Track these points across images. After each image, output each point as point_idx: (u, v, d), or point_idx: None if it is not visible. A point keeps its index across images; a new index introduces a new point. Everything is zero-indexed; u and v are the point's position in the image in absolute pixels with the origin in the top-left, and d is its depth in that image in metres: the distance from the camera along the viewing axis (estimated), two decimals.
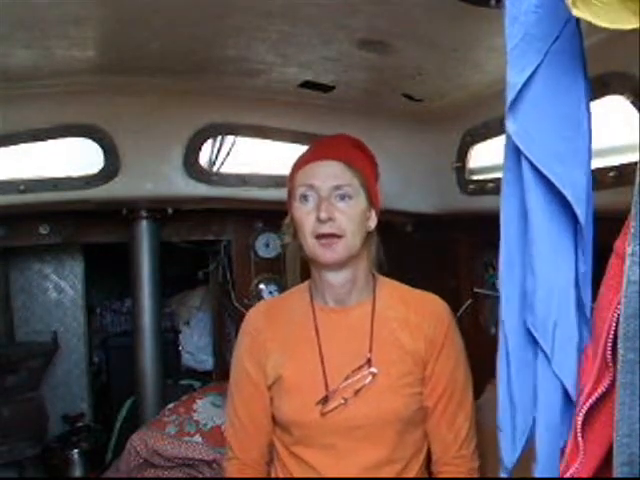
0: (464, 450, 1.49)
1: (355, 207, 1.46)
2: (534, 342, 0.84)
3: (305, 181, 1.47)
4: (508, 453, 0.90)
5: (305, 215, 1.45)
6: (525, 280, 0.85)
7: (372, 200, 1.50)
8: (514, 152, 0.83)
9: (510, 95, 0.79)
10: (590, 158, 0.82)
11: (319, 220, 1.42)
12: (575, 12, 0.67)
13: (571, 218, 0.81)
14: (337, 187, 1.45)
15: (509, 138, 0.83)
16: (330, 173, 1.46)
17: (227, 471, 1.59)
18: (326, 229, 1.42)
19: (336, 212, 1.43)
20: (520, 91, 0.79)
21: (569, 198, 0.79)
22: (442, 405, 1.49)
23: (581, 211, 0.79)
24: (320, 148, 1.56)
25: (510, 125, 0.81)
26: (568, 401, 0.83)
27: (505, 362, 0.88)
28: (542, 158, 0.79)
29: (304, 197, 1.47)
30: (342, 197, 1.45)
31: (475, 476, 1.51)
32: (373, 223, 1.52)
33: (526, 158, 0.81)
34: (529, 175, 0.81)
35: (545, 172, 0.79)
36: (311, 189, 1.46)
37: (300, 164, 1.52)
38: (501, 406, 0.90)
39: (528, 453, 0.87)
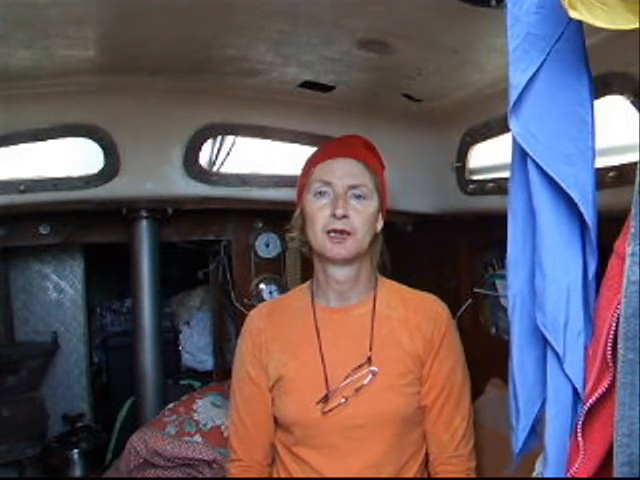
0: (461, 450, 1.50)
1: (368, 208, 1.48)
2: (543, 340, 0.84)
3: (322, 177, 1.48)
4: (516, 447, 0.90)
5: (318, 209, 1.47)
6: (533, 279, 0.84)
7: (382, 204, 1.52)
8: (520, 151, 0.83)
9: (513, 96, 0.79)
10: (594, 158, 0.81)
11: (334, 216, 1.43)
12: (573, 14, 0.66)
13: (578, 218, 0.81)
14: (353, 186, 1.47)
15: (515, 137, 0.82)
16: (348, 172, 1.48)
17: (230, 473, 1.59)
18: (339, 225, 1.44)
19: (351, 210, 1.45)
20: (523, 91, 0.78)
21: (576, 199, 0.78)
22: (439, 405, 1.49)
23: (588, 212, 0.78)
24: (339, 146, 1.57)
25: (514, 126, 0.80)
26: (577, 400, 0.82)
27: (514, 361, 0.88)
28: (547, 159, 0.79)
29: (320, 192, 1.48)
30: (357, 197, 1.47)
31: (472, 476, 1.51)
32: (380, 225, 1.54)
33: (531, 159, 0.80)
34: (535, 175, 0.81)
35: (550, 173, 0.78)
36: (328, 185, 1.47)
37: (317, 159, 1.53)
38: (513, 405, 0.90)
39: (533, 453, 0.87)
